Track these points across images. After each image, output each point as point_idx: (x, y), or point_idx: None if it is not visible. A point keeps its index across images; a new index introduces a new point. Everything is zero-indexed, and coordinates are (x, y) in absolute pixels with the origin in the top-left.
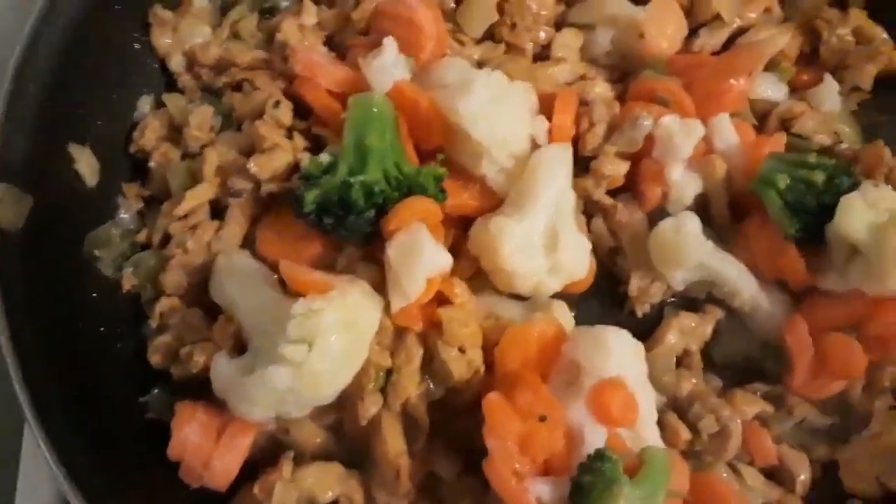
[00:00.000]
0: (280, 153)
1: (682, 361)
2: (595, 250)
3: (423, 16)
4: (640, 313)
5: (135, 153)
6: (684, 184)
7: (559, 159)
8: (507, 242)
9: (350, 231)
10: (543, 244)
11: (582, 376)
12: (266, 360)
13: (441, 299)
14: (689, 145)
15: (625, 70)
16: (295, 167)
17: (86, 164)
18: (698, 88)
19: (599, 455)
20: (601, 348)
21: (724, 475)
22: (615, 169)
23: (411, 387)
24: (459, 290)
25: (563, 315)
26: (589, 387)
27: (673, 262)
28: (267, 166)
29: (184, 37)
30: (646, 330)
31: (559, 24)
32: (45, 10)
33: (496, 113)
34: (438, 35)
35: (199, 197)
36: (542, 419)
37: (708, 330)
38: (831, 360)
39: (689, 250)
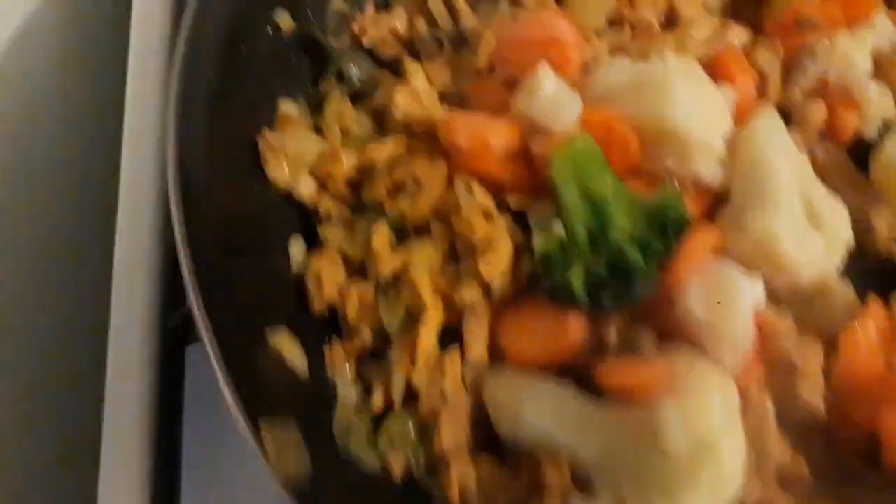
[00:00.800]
0: (502, 244)
1: None
2: None
3: (565, 28)
4: None
5: (322, 312)
6: (879, 97)
7: (776, 126)
8: (784, 238)
9: (637, 298)
10: (808, 221)
11: None
12: (643, 487)
13: None
14: (868, 56)
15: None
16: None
17: (291, 349)
18: None
19: None
20: None
21: None
22: (819, 111)
23: (779, 446)
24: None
25: (848, 287)
26: None
27: None
28: (497, 265)
29: (297, 157)
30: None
31: None
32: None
33: (700, 100)
34: (579, 42)
35: (432, 331)
36: None
37: None
38: None
39: None
